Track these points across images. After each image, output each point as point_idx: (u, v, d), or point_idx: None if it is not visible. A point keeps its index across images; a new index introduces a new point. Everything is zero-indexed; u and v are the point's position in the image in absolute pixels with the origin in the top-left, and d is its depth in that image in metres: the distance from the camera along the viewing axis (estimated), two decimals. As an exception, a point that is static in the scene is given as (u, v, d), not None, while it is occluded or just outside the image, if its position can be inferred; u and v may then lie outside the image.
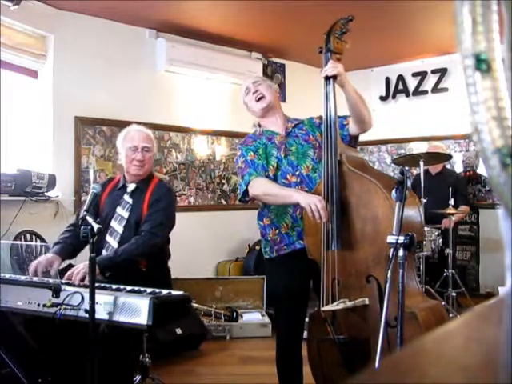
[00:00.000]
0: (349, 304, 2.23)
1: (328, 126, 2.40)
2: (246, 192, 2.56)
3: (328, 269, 2.33)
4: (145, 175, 2.81)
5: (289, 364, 2.63)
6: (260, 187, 2.51)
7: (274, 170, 2.55)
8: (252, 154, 2.58)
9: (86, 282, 2.40)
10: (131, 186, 2.80)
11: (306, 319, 2.63)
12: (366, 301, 2.22)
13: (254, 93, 2.64)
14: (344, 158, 2.35)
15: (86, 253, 2.45)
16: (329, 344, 2.33)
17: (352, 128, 2.52)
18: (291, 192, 2.42)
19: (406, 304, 2.12)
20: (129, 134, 2.84)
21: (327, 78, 2.41)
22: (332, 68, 2.38)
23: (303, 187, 2.49)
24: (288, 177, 2.53)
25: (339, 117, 2.52)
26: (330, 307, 2.28)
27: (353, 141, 2.57)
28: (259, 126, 2.70)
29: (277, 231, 2.56)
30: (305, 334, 2.62)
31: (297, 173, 2.53)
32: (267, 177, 2.54)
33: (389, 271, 1.99)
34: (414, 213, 2.29)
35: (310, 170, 2.53)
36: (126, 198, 2.79)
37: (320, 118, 2.58)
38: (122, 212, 2.76)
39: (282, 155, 2.56)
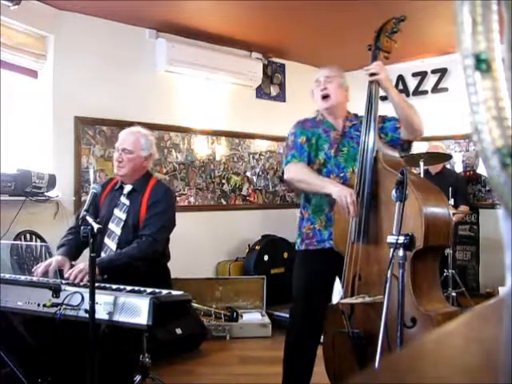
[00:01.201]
0: (367, 299, 2.24)
1: (367, 123, 2.41)
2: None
3: (351, 263, 2.36)
4: (128, 176, 2.78)
5: (297, 363, 2.63)
6: (296, 172, 2.54)
7: (319, 165, 2.58)
8: (304, 139, 2.59)
9: (86, 281, 2.40)
10: (128, 188, 2.79)
11: None
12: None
13: (321, 89, 2.62)
14: (380, 155, 2.38)
15: (85, 252, 2.45)
16: (343, 337, 2.34)
17: (403, 132, 2.53)
18: (325, 182, 2.46)
19: (425, 308, 2.14)
20: (119, 135, 2.89)
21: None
22: (375, 71, 2.39)
23: None
24: (331, 176, 2.56)
25: (393, 119, 2.54)
26: (348, 300, 2.30)
27: (405, 145, 2.57)
28: (321, 114, 2.70)
29: (312, 226, 2.60)
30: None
31: (341, 174, 2.56)
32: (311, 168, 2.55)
33: (388, 271, 1.99)
34: (441, 213, 2.29)
35: (354, 173, 2.55)
36: (123, 199, 2.78)
37: (380, 118, 2.56)
38: (120, 214, 2.76)
39: (332, 154, 2.58)
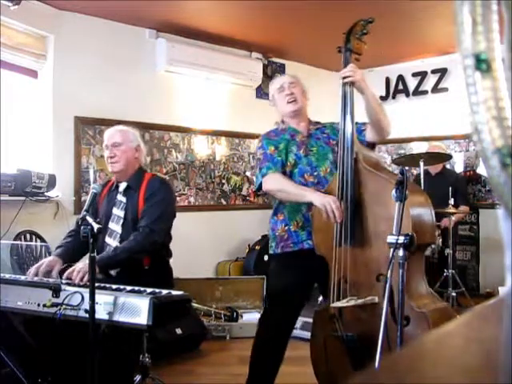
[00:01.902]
0: (359, 301, 2.23)
1: (344, 125, 2.41)
2: (261, 184, 2.58)
3: (337, 266, 2.35)
4: (123, 172, 2.78)
5: (265, 364, 2.62)
6: (275, 183, 2.53)
7: (291, 166, 2.57)
8: (273, 148, 2.59)
9: (85, 280, 2.40)
10: (123, 185, 2.80)
11: (306, 319, 2.64)
12: (376, 299, 2.22)
13: (287, 94, 2.64)
14: (360, 156, 2.37)
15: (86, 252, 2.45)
16: (335, 341, 2.34)
17: (369, 135, 2.54)
18: (305, 191, 2.44)
19: (416, 305, 2.14)
20: (104, 135, 2.89)
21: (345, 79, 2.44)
22: (349, 74, 2.40)
23: (319, 188, 2.51)
24: (305, 176, 2.55)
25: (357, 123, 2.54)
26: (339, 304, 2.29)
27: (369, 147, 2.58)
28: (282, 122, 2.71)
29: (286, 227, 2.57)
30: (305, 334, 2.63)
31: (315, 173, 2.55)
32: (284, 173, 2.55)
33: (389, 271, 1.99)
34: (426, 213, 2.30)
35: (327, 172, 2.55)
36: (120, 197, 2.79)
37: None
38: (118, 212, 2.76)
39: (303, 154, 2.58)
